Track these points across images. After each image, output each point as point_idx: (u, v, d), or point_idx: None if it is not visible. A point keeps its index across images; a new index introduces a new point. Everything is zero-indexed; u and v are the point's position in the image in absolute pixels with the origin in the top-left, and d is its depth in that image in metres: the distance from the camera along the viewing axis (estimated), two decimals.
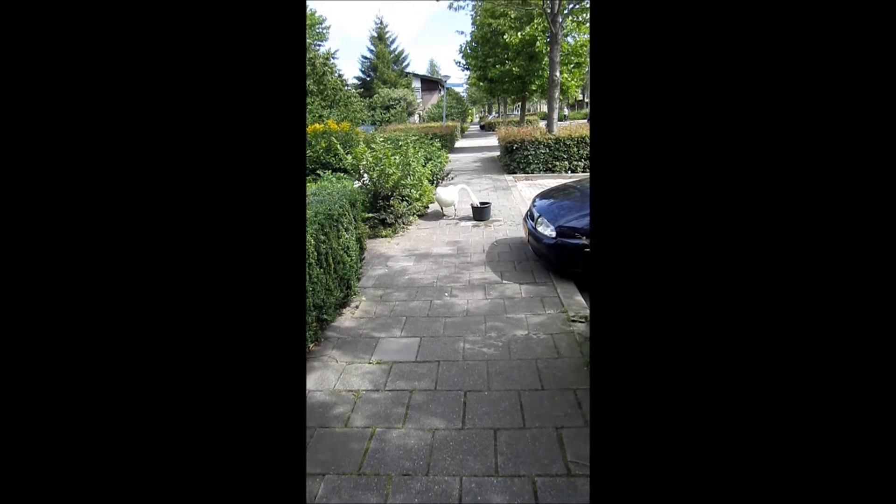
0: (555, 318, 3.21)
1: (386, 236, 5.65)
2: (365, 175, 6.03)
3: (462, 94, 38.38)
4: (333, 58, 22.90)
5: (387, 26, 34.44)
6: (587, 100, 45.84)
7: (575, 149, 9.94)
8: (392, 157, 5.88)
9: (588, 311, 3.27)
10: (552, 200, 4.53)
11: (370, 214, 5.70)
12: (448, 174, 8.16)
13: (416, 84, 33.26)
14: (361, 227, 3.96)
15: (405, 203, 6.02)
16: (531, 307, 3.41)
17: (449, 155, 12.39)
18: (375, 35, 33.22)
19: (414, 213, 6.37)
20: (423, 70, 48.19)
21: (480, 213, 6.22)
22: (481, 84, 20.93)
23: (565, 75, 15.93)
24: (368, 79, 32.16)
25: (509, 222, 6.09)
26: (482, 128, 34.34)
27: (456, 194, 6.53)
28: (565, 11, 11.38)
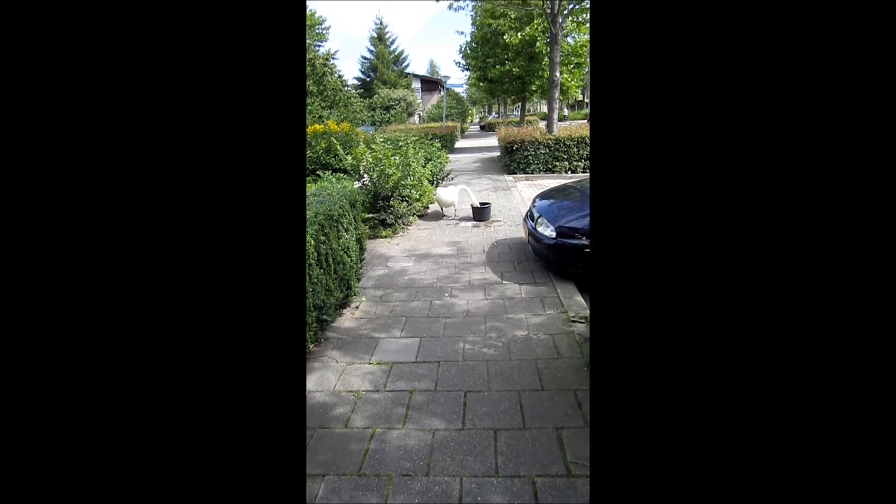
0: (555, 318, 3.21)
1: (386, 237, 5.65)
2: (365, 175, 6.03)
3: (462, 95, 38.39)
4: (333, 58, 22.91)
5: (387, 27, 34.49)
6: (587, 100, 45.85)
7: (575, 149, 9.94)
8: (392, 158, 5.88)
9: (588, 311, 3.27)
10: (552, 201, 4.53)
11: (370, 215, 5.70)
12: (448, 174, 8.16)
13: (416, 84, 33.28)
14: (361, 227, 3.96)
15: (405, 203, 6.03)
16: (531, 307, 3.41)
17: (449, 155, 12.39)
18: (375, 35, 33.23)
19: (414, 214, 6.38)
20: (422, 70, 48.23)
21: (480, 213, 6.22)
22: (481, 84, 20.94)
23: (565, 76, 15.94)
24: (368, 79, 32.17)
25: (509, 223, 6.09)
26: (482, 128, 34.36)
27: (456, 195, 6.53)
28: (565, 12, 11.38)
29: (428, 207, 6.94)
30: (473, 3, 15.47)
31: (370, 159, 5.90)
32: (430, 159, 7.83)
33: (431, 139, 9.99)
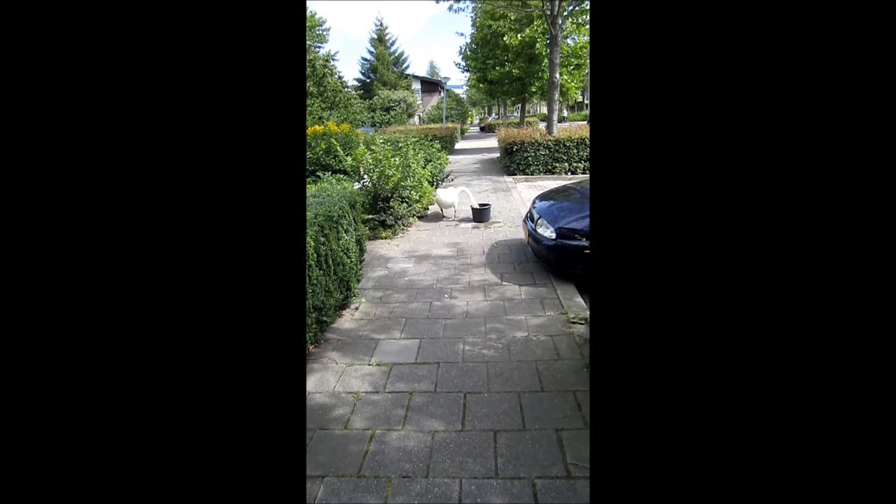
0: (555, 319, 3.21)
1: (386, 238, 5.65)
2: (365, 177, 6.03)
3: (462, 96, 38.42)
4: (333, 59, 22.92)
5: (387, 28, 34.49)
6: (587, 101, 45.92)
7: (575, 150, 9.94)
8: (392, 159, 5.88)
9: (588, 312, 3.27)
10: (552, 202, 4.54)
11: (370, 216, 5.70)
12: (448, 176, 8.17)
13: (416, 86, 33.30)
14: (361, 228, 3.96)
15: (405, 204, 6.03)
16: (531, 309, 3.41)
17: (449, 156, 12.40)
18: (375, 37, 33.27)
19: (414, 215, 6.38)
20: (422, 72, 48.28)
21: (480, 214, 6.23)
22: (481, 86, 20.95)
23: (565, 77, 15.95)
24: (368, 80, 32.20)
25: (509, 224, 6.09)
26: (482, 129, 34.39)
27: (456, 196, 6.53)
28: (565, 13, 11.39)
29: (428, 208, 6.95)
30: (473, 5, 15.49)
31: (370, 160, 5.90)
32: (430, 160, 7.84)
33: (431, 140, 10.00)
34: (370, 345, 2.97)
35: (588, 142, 9.78)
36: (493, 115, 48.07)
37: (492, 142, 19.51)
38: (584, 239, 3.59)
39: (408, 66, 34.68)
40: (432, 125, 22.57)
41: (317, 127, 9.51)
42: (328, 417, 2.23)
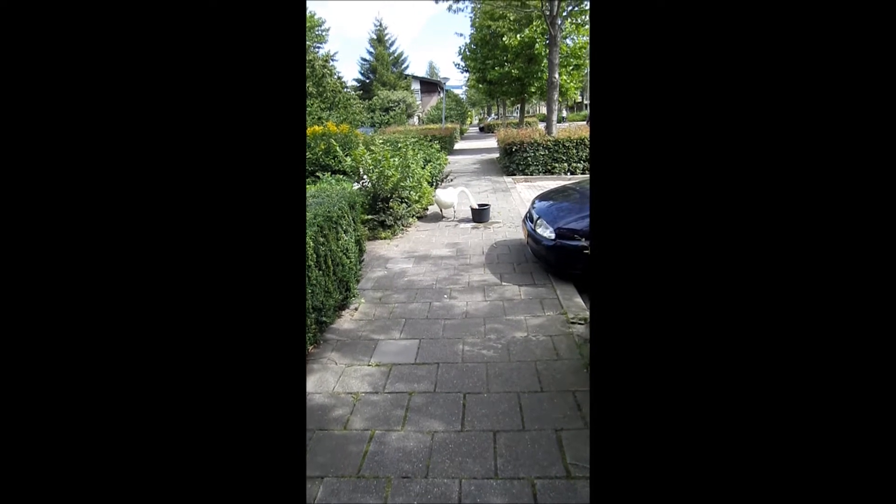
0: (554, 319, 3.21)
1: (385, 238, 5.65)
2: (364, 177, 6.03)
3: (461, 96, 38.43)
4: (333, 60, 22.92)
5: (386, 28, 34.52)
6: (586, 102, 45.95)
7: (574, 150, 9.95)
8: (391, 159, 5.88)
9: (587, 312, 3.27)
10: (551, 202, 4.54)
11: (369, 216, 5.70)
12: (447, 176, 8.17)
13: (416, 86, 33.31)
14: (360, 228, 3.95)
15: (404, 205, 6.03)
16: (530, 309, 3.41)
17: (448, 157, 12.40)
18: (375, 37, 33.27)
19: (413, 215, 6.38)
20: (422, 72, 48.29)
21: (479, 214, 6.23)
22: (480, 86, 20.95)
23: (564, 77, 15.96)
24: (368, 81, 32.20)
25: (508, 224, 6.09)
26: (481, 129, 34.40)
27: (455, 196, 6.53)
28: (564, 14, 11.40)
29: (427, 209, 6.95)
30: (472, 5, 15.49)
31: (369, 161, 5.90)
32: (430, 161, 7.84)
33: (431, 140, 10.00)
34: (369, 345, 2.97)
35: (587, 142, 9.78)
36: (493, 115, 48.08)
37: (491, 142, 19.52)
38: (583, 239, 3.59)
39: (407, 67, 34.69)
40: (431, 125, 22.57)
41: (316, 127, 9.51)
42: (327, 418, 2.23)
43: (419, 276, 4.25)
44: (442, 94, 27.07)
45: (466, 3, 13.39)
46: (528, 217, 4.52)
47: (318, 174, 7.48)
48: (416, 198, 6.36)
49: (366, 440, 2.06)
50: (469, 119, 40.86)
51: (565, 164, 10.03)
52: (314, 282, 2.81)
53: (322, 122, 13.01)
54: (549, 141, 10.03)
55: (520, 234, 5.48)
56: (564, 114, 37.57)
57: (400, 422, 2.18)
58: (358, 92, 28.00)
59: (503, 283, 3.96)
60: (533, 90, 18.36)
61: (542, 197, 4.88)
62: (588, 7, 12.28)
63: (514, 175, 10.19)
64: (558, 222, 3.92)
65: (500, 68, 17.38)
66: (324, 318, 2.99)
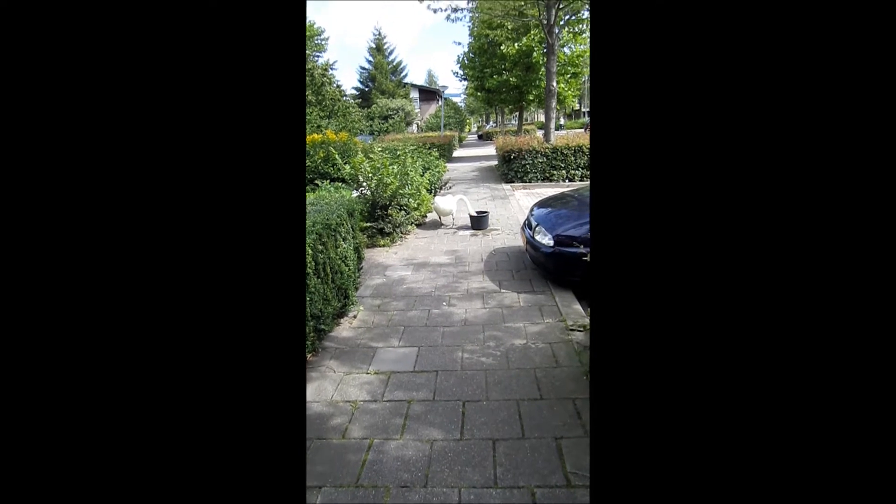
0: (553, 327, 3.20)
1: (384, 245, 5.65)
2: (363, 184, 6.04)
3: (460, 104, 38.60)
4: (332, 68, 23.07)
5: (385, 37, 34.75)
6: (584, 109, 46.20)
7: (572, 158, 9.99)
8: (390, 167, 5.90)
9: (586, 319, 3.26)
10: (550, 209, 4.55)
11: (368, 224, 5.70)
12: (446, 183, 8.18)
13: (414, 94, 33.48)
14: (359, 236, 3.96)
15: (403, 212, 6.03)
16: (529, 316, 3.40)
17: (447, 164, 12.43)
18: (374, 46, 33.50)
19: (412, 223, 6.38)
20: (421, 80, 48.56)
21: (478, 222, 6.23)
22: (479, 94, 21.06)
23: (562, 85, 16.06)
24: (367, 89, 32.38)
25: (507, 231, 6.09)
26: (480, 137, 34.52)
27: (454, 203, 6.54)
28: (561, 23, 11.50)
29: (426, 216, 6.95)
30: (471, 14, 15.63)
31: (368, 168, 5.91)
32: (428, 168, 7.85)
33: (429, 148, 10.02)
34: (368, 353, 2.96)
35: (585, 149, 9.83)
36: (491, 123, 48.30)
37: (490, 150, 19.58)
38: (581, 246, 3.59)
39: (406, 75, 34.92)
40: (430, 133, 22.65)
41: (315, 135, 9.54)
42: (326, 426, 2.22)
43: (418, 284, 4.25)
44: (440, 102, 27.20)
45: (465, 12, 13.51)
46: (527, 224, 4.53)
47: (316, 182, 7.49)
48: (415, 205, 6.37)
49: (364, 449, 2.04)
50: (468, 127, 41.03)
51: (563, 172, 10.06)
52: (312, 289, 2.80)
53: (321, 131, 13.06)
54: (548, 148, 10.07)
55: (518, 241, 5.48)
56: (562, 121, 37.77)
57: (399, 430, 2.16)
58: (357, 100, 28.13)
59: (502, 291, 3.96)
60: (531, 98, 18.47)
61: (540, 204, 4.89)
62: (585, 16, 12.40)
63: (513, 182, 10.21)
64: (557, 229, 3.92)
65: (499, 76, 17.49)
66: (322, 326, 2.98)
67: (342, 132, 11.74)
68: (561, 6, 10.52)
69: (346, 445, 2.07)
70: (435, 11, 12.63)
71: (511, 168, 10.30)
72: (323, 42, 29.79)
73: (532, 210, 4.72)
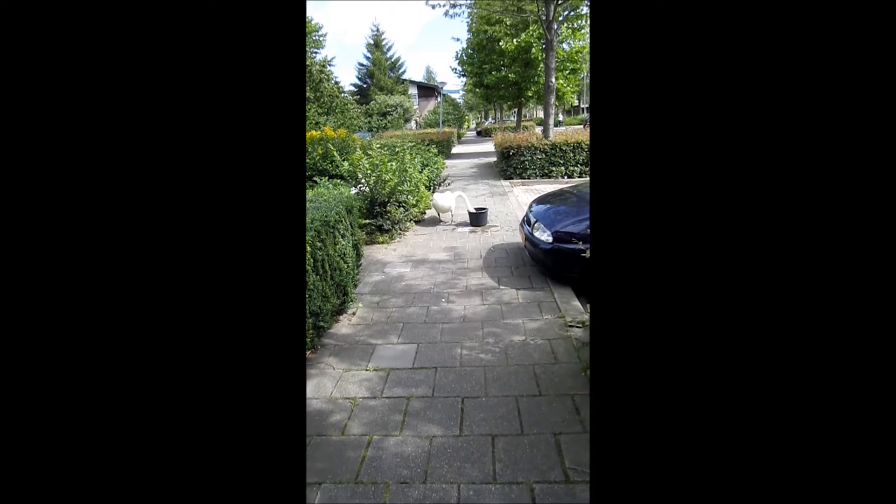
0: (552, 323, 3.21)
1: (383, 242, 5.65)
2: (362, 181, 6.03)
3: (458, 101, 38.54)
4: (330, 65, 23.00)
5: (383, 34, 34.65)
6: (583, 105, 46.13)
7: (571, 154, 9.97)
8: (389, 164, 5.88)
9: (585, 316, 3.27)
10: (549, 206, 4.54)
11: (367, 221, 5.70)
12: (445, 180, 8.18)
13: (413, 91, 33.40)
14: (358, 233, 3.95)
15: (402, 209, 6.03)
16: (528, 313, 3.40)
17: (446, 161, 12.42)
18: (372, 42, 33.40)
19: (411, 219, 6.38)
20: (419, 77, 48.45)
21: (477, 218, 6.23)
22: (478, 90, 21.01)
23: (561, 81, 16.02)
24: (365, 85, 32.30)
25: (506, 228, 6.09)
26: (479, 134, 34.48)
27: (453, 200, 6.54)
28: (560, 18, 11.47)
29: (425, 213, 6.95)
30: (469, 10, 15.57)
31: (367, 165, 5.90)
32: (427, 165, 7.85)
33: (428, 145, 10.02)
34: (367, 350, 2.96)
35: (584, 146, 9.81)
36: (490, 119, 48.22)
37: (488, 146, 19.56)
38: (580, 242, 3.59)
39: (404, 72, 34.85)
40: (429, 130, 22.61)
41: (313, 132, 9.52)
42: (325, 423, 2.22)
43: (417, 281, 4.25)
44: (439, 99, 27.15)
45: (463, 7, 13.47)
46: (526, 220, 4.53)
47: (315, 179, 7.48)
48: (414, 202, 6.36)
49: (364, 445, 2.05)
50: (466, 123, 40.94)
51: (562, 168, 10.05)
52: (311, 287, 2.80)
53: (319, 127, 13.03)
54: (546, 145, 10.06)
55: (517, 237, 5.48)
56: (561, 118, 37.72)
57: (398, 427, 2.17)
58: (355, 97, 28.09)
59: (501, 287, 3.96)
60: (530, 94, 18.43)
61: (539, 200, 4.88)
62: (584, 12, 12.36)
63: (512, 179, 10.20)
64: (556, 226, 3.92)
65: (497, 73, 17.44)
66: (321, 323, 2.98)
67: (340, 129, 11.72)
68: (560, 2, 10.48)
69: (346, 442, 2.08)
70: (433, 7, 12.61)
71: (510, 164, 10.29)
72: (321, 38, 29.66)
73: (531, 206, 4.71)
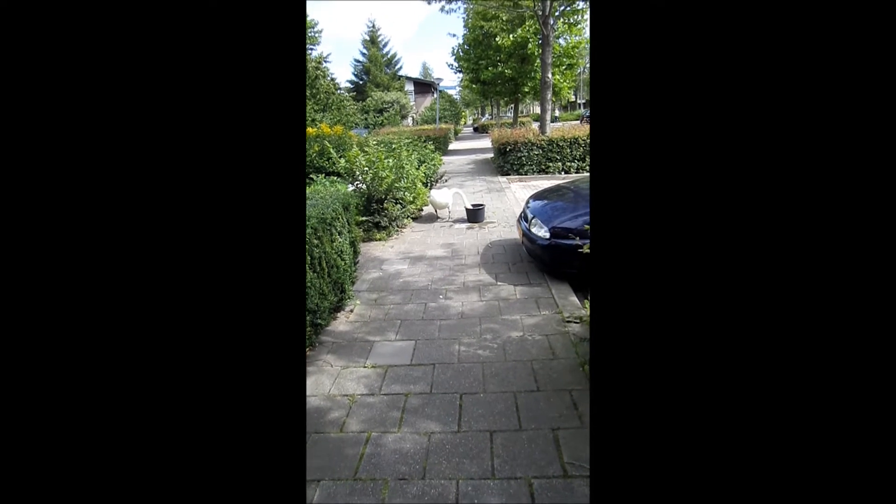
0: (550, 319, 3.21)
1: (380, 239, 5.64)
2: (359, 178, 6.02)
3: (455, 97, 38.46)
4: (326, 61, 22.88)
5: (379, 30, 34.48)
6: (579, 101, 46.10)
7: (568, 150, 9.96)
8: (385, 161, 5.87)
9: (582, 311, 3.27)
10: (546, 201, 4.54)
11: (364, 218, 5.68)
12: (442, 176, 8.16)
13: (409, 87, 33.29)
14: (355, 230, 3.94)
15: (399, 206, 6.01)
16: (526, 308, 3.41)
17: (443, 157, 12.40)
18: (368, 38, 33.26)
19: (408, 216, 6.37)
20: (415, 73, 48.32)
21: (474, 215, 6.22)
22: (474, 86, 20.98)
23: (557, 77, 16.01)
24: (361, 82, 32.19)
25: (503, 224, 6.09)
26: (475, 130, 34.41)
27: (450, 196, 6.53)
28: (556, 13, 11.43)
29: (422, 210, 6.94)
30: (465, 6, 15.52)
31: (363, 162, 5.88)
32: (424, 161, 7.83)
33: (425, 141, 9.99)
34: (365, 347, 2.96)
35: (581, 141, 9.81)
36: (487, 115, 48.12)
37: (485, 142, 19.53)
38: (578, 238, 3.59)
39: (400, 68, 34.71)
40: (426, 126, 22.55)
41: (310, 129, 9.49)
42: (323, 420, 2.22)
43: (414, 277, 4.25)
44: (436, 95, 27.07)
45: (459, 3, 13.41)
46: (523, 216, 4.52)
47: (312, 176, 7.45)
48: (411, 199, 6.35)
49: (362, 442, 2.05)
50: (463, 119, 40.89)
51: (559, 164, 10.04)
52: (308, 284, 2.79)
53: (316, 124, 12.98)
54: (543, 140, 10.04)
55: (515, 233, 5.48)
56: (557, 113, 37.72)
57: (396, 423, 2.17)
58: (351, 93, 27.97)
59: (498, 283, 3.96)
60: (526, 90, 18.41)
61: (536, 196, 4.88)
62: (581, 7, 12.32)
63: (509, 175, 10.19)
64: (553, 221, 3.92)
65: (494, 68, 17.41)
66: (319, 321, 2.97)
67: (337, 126, 11.68)
68: None
69: (344, 439, 2.08)
70: (429, 3, 12.53)
71: (507, 160, 10.28)
72: (316, 35, 29.51)
73: (528, 202, 4.71)
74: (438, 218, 6.65)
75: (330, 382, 2.57)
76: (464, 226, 6.15)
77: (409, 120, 29.74)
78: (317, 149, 8.42)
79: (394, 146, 6.75)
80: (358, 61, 33.27)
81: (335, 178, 6.88)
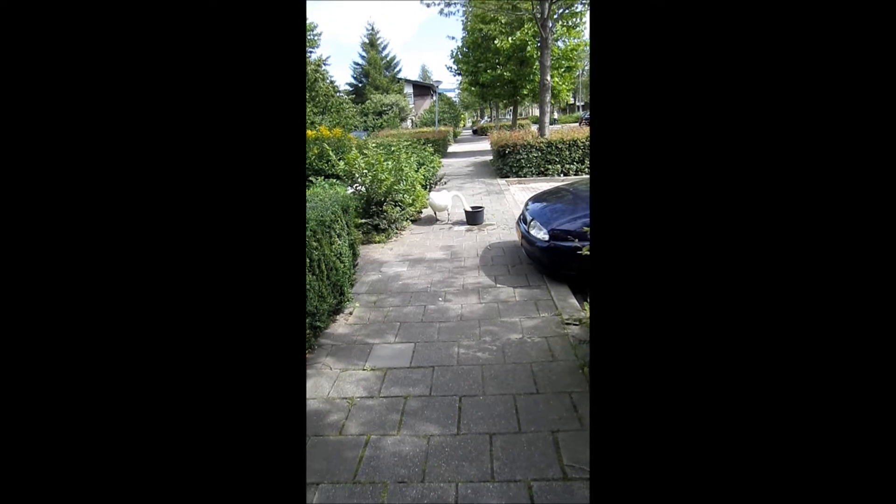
0: (549, 321, 3.21)
1: (379, 242, 5.64)
2: (358, 181, 6.02)
3: (454, 99, 38.49)
4: (325, 64, 22.93)
5: (378, 32, 34.60)
6: (578, 103, 46.19)
7: (567, 152, 9.98)
8: (384, 163, 5.87)
9: (582, 313, 3.27)
10: (545, 204, 4.54)
11: (363, 220, 5.68)
12: (441, 179, 8.17)
13: (409, 90, 33.34)
14: (354, 233, 3.94)
15: (398, 208, 6.02)
16: (525, 311, 3.40)
17: (442, 160, 12.41)
18: (367, 41, 33.33)
19: (407, 219, 6.37)
20: (414, 76, 48.36)
21: (473, 217, 6.23)
22: (473, 89, 21.02)
23: (556, 79, 16.05)
24: (360, 85, 32.24)
25: (502, 226, 6.09)
26: (475, 132, 34.45)
27: (449, 199, 6.54)
28: (555, 16, 11.46)
29: (421, 212, 6.94)
30: (464, 9, 15.55)
31: (363, 165, 5.89)
32: (423, 164, 7.84)
33: (424, 144, 10.00)
34: (364, 349, 2.96)
35: (580, 143, 9.82)
36: (486, 117, 48.20)
37: (484, 144, 19.55)
38: (577, 240, 3.59)
39: (400, 71, 34.78)
40: (425, 129, 22.57)
41: (309, 132, 9.49)
42: (323, 423, 2.22)
43: (414, 280, 4.24)
44: (435, 98, 27.11)
45: (458, 6, 13.45)
46: (522, 219, 4.53)
47: (311, 179, 7.45)
48: (410, 201, 6.35)
49: (361, 445, 2.04)
50: (462, 122, 40.91)
51: (558, 166, 10.06)
52: (308, 287, 2.79)
53: (315, 127, 12.98)
54: (542, 143, 10.06)
55: (514, 235, 5.48)
56: (556, 115, 37.76)
57: (395, 426, 2.17)
58: (350, 96, 27.98)
59: (498, 286, 3.96)
60: (525, 92, 18.44)
61: (535, 198, 4.88)
62: (579, 10, 12.36)
63: (508, 177, 10.20)
64: (552, 223, 3.92)
65: (493, 71, 17.44)
66: (318, 323, 2.97)
67: (336, 128, 11.69)
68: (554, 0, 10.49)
69: (343, 442, 2.07)
70: (428, 6, 12.56)
71: (506, 163, 10.29)
72: (316, 38, 29.55)
73: (527, 204, 4.71)
74: (437, 220, 6.65)
75: (329, 385, 2.56)
76: (463, 228, 6.15)
77: (409, 122, 29.76)
78: (316, 151, 8.42)
79: (393, 149, 6.76)
80: (357, 64, 33.35)
81: (334, 180, 6.88)
